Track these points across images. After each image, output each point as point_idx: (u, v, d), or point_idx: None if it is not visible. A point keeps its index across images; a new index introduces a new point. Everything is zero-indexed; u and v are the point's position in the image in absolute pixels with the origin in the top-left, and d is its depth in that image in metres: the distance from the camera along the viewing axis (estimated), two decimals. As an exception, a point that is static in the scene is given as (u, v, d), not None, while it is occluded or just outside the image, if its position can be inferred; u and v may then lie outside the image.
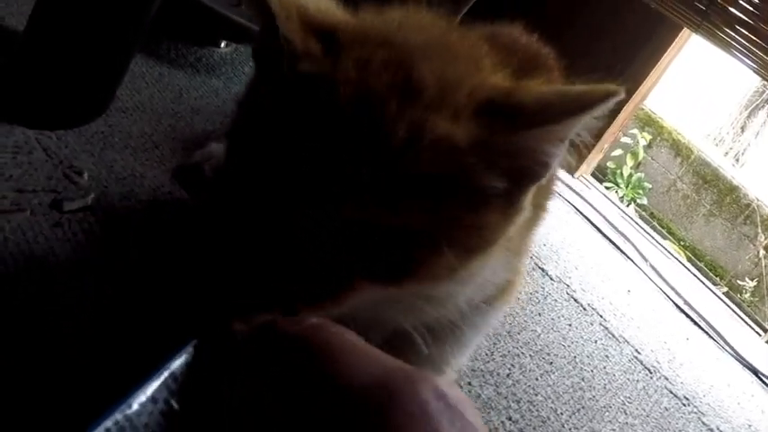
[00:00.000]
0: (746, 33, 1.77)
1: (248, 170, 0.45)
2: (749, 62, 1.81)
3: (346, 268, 0.43)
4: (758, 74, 1.85)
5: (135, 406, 0.34)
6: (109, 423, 0.33)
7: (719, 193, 3.83)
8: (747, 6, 1.73)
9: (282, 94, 0.44)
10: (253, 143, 0.45)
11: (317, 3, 0.49)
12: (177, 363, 0.37)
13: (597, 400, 1.03)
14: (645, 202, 3.84)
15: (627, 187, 3.74)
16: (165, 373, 0.36)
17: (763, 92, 5.10)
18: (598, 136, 2.19)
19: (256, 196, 0.43)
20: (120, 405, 0.34)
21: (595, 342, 1.22)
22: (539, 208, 0.76)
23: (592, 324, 1.28)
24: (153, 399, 0.35)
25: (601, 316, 1.34)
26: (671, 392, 1.24)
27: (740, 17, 1.75)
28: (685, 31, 2.02)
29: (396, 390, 0.31)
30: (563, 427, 0.91)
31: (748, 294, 3.60)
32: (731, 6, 1.76)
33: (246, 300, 0.43)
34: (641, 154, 3.83)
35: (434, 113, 0.42)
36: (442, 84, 0.44)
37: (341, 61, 0.43)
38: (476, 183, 0.44)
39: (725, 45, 1.84)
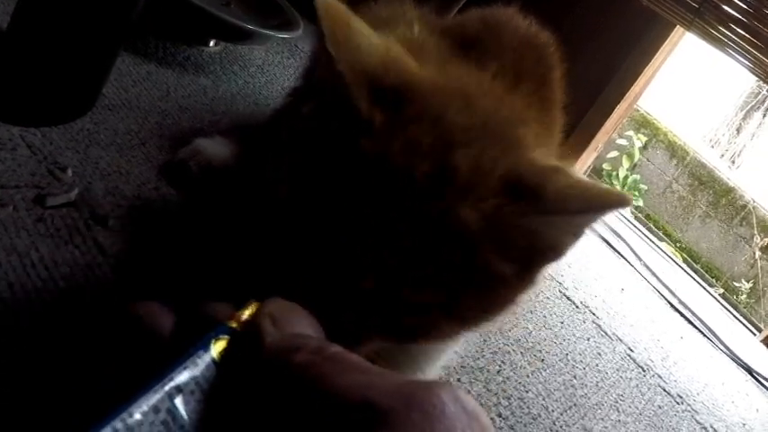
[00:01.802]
0: (740, 31, 1.77)
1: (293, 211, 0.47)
2: (744, 61, 1.81)
3: (365, 328, 0.48)
4: (753, 72, 1.85)
5: (136, 415, 0.33)
6: (108, 431, 0.32)
7: (715, 194, 3.83)
8: (740, 4, 1.73)
9: (339, 154, 0.46)
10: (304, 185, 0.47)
11: (386, 52, 0.49)
12: (181, 372, 0.37)
13: (589, 398, 1.03)
14: (641, 203, 3.85)
15: (622, 189, 3.74)
16: (170, 384, 0.35)
17: (759, 93, 5.11)
18: (592, 134, 2.18)
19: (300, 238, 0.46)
20: (120, 413, 0.33)
21: (588, 340, 1.21)
22: None
23: (584, 322, 1.28)
24: (155, 408, 0.34)
25: (594, 314, 1.34)
26: (664, 390, 1.24)
27: (733, 15, 1.76)
28: (678, 30, 2.02)
29: (414, 395, 0.31)
30: (554, 424, 0.90)
31: (744, 296, 3.60)
32: (724, 4, 1.76)
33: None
34: (637, 155, 3.84)
35: (461, 202, 0.45)
36: (474, 169, 0.46)
37: (394, 142, 0.45)
38: (488, 268, 0.46)
39: (719, 43, 1.84)
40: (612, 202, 0.45)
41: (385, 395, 0.32)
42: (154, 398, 0.34)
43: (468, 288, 0.47)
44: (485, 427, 0.32)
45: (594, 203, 0.45)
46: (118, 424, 0.32)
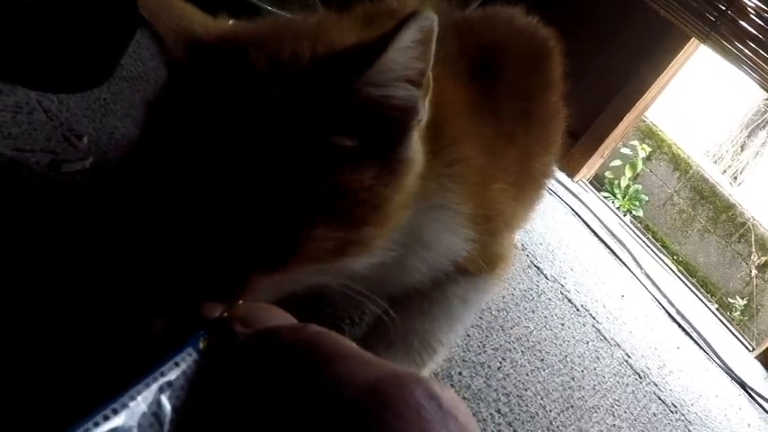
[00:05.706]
0: (755, 47, 1.77)
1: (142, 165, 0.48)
2: (755, 76, 1.81)
3: (233, 268, 0.44)
4: (764, 87, 1.85)
5: (123, 410, 0.33)
6: (99, 420, 0.32)
7: (715, 210, 3.82)
8: (757, 20, 1.73)
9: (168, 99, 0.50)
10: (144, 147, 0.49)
11: (206, 22, 0.53)
12: (172, 369, 0.37)
13: (586, 400, 1.03)
14: (641, 214, 3.84)
15: (623, 198, 3.74)
16: (161, 379, 0.36)
17: (765, 112, 5.11)
18: (600, 140, 2.19)
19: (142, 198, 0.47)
20: (111, 405, 0.33)
21: (587, 343, 1.21)
22: (527, 183, 0.75)
23: (584, 325, 1.28)
24: (143, 403, 0.35)
25: (594, 318, 1.34)
26: (659, 399, 1.24)
27: (750, 31, 1.76)
28: (692, 43, 2.02)
29: (388, 394, 0.31)
30: (551, 423, 0.90)
31: (738, 313, 3.60)
32: (741, 19, 1.76)
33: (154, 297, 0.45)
34: (640, 166, 3.83)
35: (268, 88, 0.44)
36: (273, 61, 0.46)
37: (198, 65, 0.48)
38: (323, 142, 0.44)
39: (732, 57, 1.84)
40: (402, 23, 0.41)
41: (358, 391, 0.31)
42: (141, 392, 0.35)
43: (312, 176, 0.44)
44: (463, 425, 0.32)
45: (384, 37, 0.41)
46: (110, 414, 0.33)
